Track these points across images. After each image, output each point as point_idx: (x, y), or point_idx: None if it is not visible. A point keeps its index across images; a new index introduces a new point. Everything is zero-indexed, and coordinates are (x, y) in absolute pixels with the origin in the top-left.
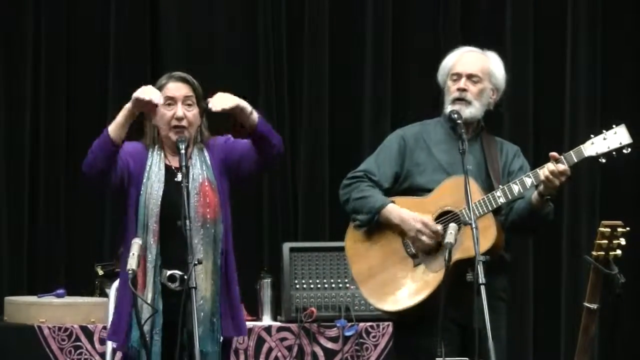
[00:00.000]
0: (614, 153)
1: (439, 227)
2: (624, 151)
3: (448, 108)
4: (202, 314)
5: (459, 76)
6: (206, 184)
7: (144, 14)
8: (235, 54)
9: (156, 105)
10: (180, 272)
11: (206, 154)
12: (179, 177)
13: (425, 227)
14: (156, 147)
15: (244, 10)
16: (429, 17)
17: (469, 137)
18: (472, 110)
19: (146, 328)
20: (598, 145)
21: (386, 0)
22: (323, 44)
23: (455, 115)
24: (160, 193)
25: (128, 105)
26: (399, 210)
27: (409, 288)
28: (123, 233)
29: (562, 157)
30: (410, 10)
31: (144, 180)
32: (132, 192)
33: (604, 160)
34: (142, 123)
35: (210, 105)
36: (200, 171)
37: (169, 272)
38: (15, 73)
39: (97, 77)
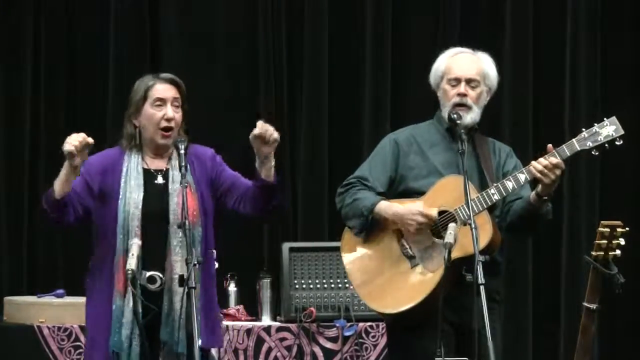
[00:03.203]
0: (606, 145)
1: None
2: (617, 143)
3: (447, 112)
4: (182, 318)
5: (457, 81)
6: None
7: (143, 14)
8: (235, 54)
9: (87, 145)
10: (160, 274)
11: (192, 159)
12: (159, 179)
13: (421, 216)
14: (134, 150)
15: (244, 10)
16: (429, 17)
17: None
18: (473, 116)
19: (126, 332)
20: (590, 138)
21: (386, 0)
22: (323, 44)
23: (455, 116)
24: (141, 196)
25: (66, 163)
26: (391, 205)
27: (407, 289)
28: (95, 249)
29: (555, 150)
30: (410, 10)
31: (122, 184)
32: (110, 204)
33: (596, 153)
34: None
35: (263, 131)
36: (179, 174)
37: (148, 274)
38: (15, 73)
39: (97, 77)
